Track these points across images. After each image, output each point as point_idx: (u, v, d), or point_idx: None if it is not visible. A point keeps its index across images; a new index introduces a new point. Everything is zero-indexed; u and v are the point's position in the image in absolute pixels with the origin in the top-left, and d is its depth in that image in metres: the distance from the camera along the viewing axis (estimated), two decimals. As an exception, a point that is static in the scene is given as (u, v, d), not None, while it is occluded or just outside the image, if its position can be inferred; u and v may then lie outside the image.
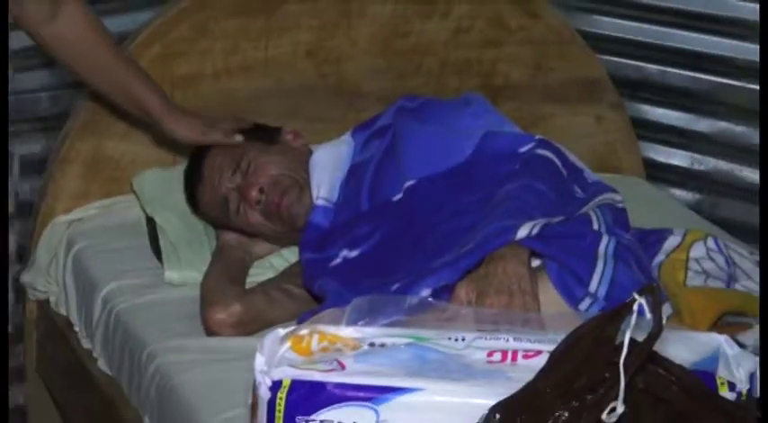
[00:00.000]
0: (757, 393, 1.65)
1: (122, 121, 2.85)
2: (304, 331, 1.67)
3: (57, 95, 3.10)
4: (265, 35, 3.03)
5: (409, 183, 2.53)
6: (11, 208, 2.31)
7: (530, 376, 1.54)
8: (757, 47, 3.28)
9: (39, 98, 3.07)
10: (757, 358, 1.71)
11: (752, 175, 3.35)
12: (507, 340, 1.69)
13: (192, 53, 2.97)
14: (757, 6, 3.25)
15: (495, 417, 1.52)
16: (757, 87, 3.29)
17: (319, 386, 1.58)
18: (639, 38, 3.45)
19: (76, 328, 2.87)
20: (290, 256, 2.69)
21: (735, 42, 3.32)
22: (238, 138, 2.71)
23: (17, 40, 2.45)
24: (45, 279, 2.97)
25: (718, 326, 2.15)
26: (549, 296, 2.20)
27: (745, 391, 1.63)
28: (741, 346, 1.72)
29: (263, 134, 2.79)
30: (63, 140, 2.98)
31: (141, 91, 2.63)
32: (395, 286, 2.25)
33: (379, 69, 3.13)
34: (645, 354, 1.50)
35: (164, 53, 2.93)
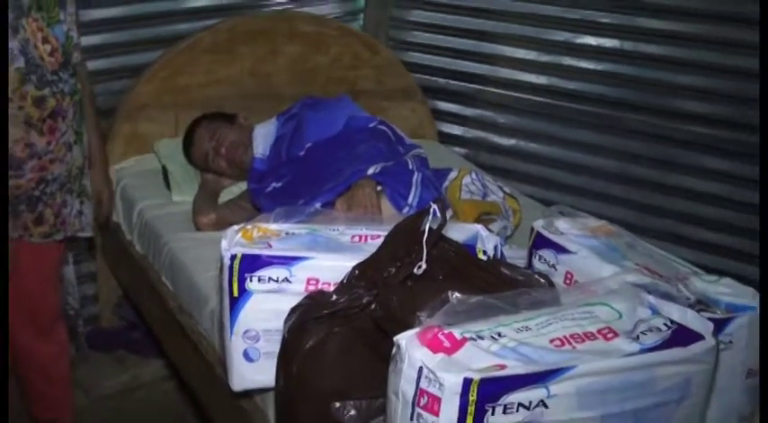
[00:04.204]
0: (499, 256, 1.67)
1: (145, 113, 2.77)
2: (249, 226, 1.66)
3: (108, 99, 2.98)
4: (227, 63, 2.96)
5: (308, 144, 2.49)
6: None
7: (374, 249, 1.54)
8: (502, 69, 3.29)
9: (97, 100, 2.94)
10: (498, 237, 1.73)
11: (497, 140, 3.37)
12: (362, 229, 1.69)
13: (186, 74, 2.89)
14: (509, 47, 3.26)
15: (355, 272, 1.52)
16: (499, 91, 3.31)
17: (257, 256, 1.57)
18: (435, 64, 3.41)
19: (123, 228, 2.79)
20: (242, 186, 2.63)
21: (487, 66, 3.31)
22: None
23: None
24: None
25: (477, 221, 2.16)
26: (386, 206, 2.19)
27: (492, 255, 1.65)
28: (490, 231, 1.72)
29: (227, 118, 2.73)
30: (113, 123, 2.89)
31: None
32: (300, 202, 2.22)
33: (291, 82, 3.07)
34: (436, 236, 1.50)
35: (170, 74, 2.85)
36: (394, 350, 1.25)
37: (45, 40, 2.05)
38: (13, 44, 2.00)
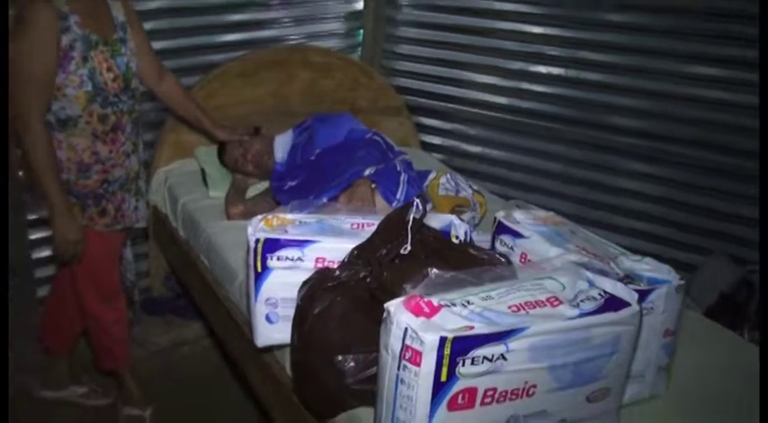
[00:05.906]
0: (469, 240, 1.67)
1: (184, 125, 2.74)
2: (270, 216, 1.65)
3: (159, 114, 2.95)
4: (251, 86, 2.93)
5: (318, 151, 2.48)
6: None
7: (369, 234, 1.54)
8: (472, 92, 3.27)
9: (149, 115, 2.93)
10: (468, 225, 1.72)
11: (467, 148, 3.35)
12: (360, 219, 1.69)
13: (218, 95, 2.86)
14: (477, 74, 3.24)
15: (354, 252, 1.51)
16: (469, 109, 3.29)
17: (276, 240, 1.57)
18: (418, 88, 3.38)
19: (170, 218, 2.77)
20: (265, 184, 2.61)
21: (460, 90, 3.28)
22: (245, 137, 2.65)
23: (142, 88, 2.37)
24: (155, 196, 2.86)
25: (451, 212, 2.15)
26: (379, 201, 2.17)
27: (463, 240, 1.64)
28: (461, 220, 1.72)
29: (253, 130, 2.70)
30: (161, 134, 2.87)
31: (202, 117, 2.55)
32: (311, 197, 2.21)
33: (304, 102, 3.04)
34: (419, 224, 1.50)
35: (206, 95, 2.81)
36: (385, 314, 1.25)
37: (109, 69, 2.07)
38: (83, 71, 2.01)
